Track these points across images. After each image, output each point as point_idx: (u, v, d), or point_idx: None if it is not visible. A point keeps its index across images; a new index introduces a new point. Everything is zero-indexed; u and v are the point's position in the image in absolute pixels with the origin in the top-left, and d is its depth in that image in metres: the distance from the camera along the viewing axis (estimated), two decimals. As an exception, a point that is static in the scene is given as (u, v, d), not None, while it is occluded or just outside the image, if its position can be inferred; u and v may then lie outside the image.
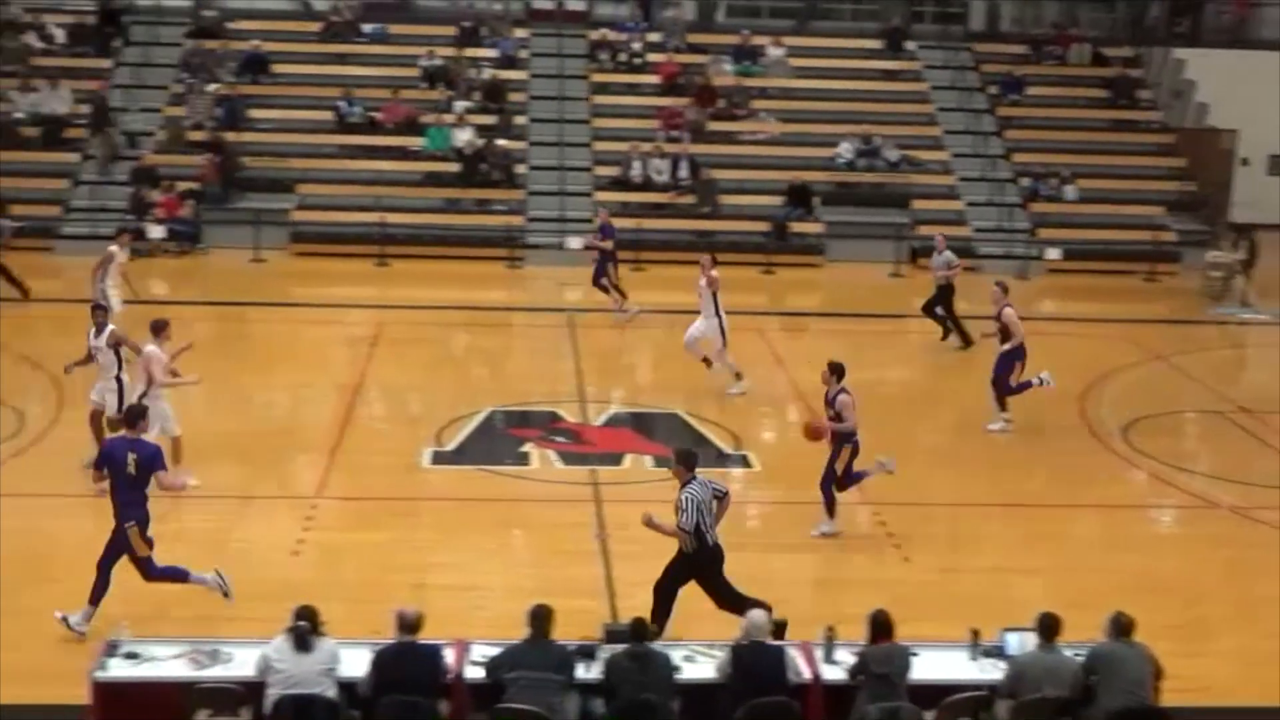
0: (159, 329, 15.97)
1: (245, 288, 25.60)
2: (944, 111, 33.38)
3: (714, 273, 20.30)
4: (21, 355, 21.12)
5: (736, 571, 12.42)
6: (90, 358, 16.43)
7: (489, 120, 31.44)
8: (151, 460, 12.63)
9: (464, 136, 30.47)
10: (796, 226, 29.82)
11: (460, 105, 31.60)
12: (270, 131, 31.15)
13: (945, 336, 23.31)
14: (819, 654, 10.95)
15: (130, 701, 10.52)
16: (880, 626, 10.58)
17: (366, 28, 33.87)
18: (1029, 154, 32.57)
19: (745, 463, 17.92)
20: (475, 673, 10.53)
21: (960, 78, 34.25)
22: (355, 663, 10.41)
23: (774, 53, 33.98)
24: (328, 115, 31.42)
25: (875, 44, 34.91)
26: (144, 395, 15.62)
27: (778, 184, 30.70)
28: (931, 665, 10.85)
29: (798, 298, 28.33)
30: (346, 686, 10.30)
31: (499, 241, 28.98)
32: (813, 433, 15.33)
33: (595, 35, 34.20)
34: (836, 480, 15.14)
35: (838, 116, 32.67)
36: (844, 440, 15.01)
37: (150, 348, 15.82)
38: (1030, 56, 35.05)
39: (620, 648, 10.54)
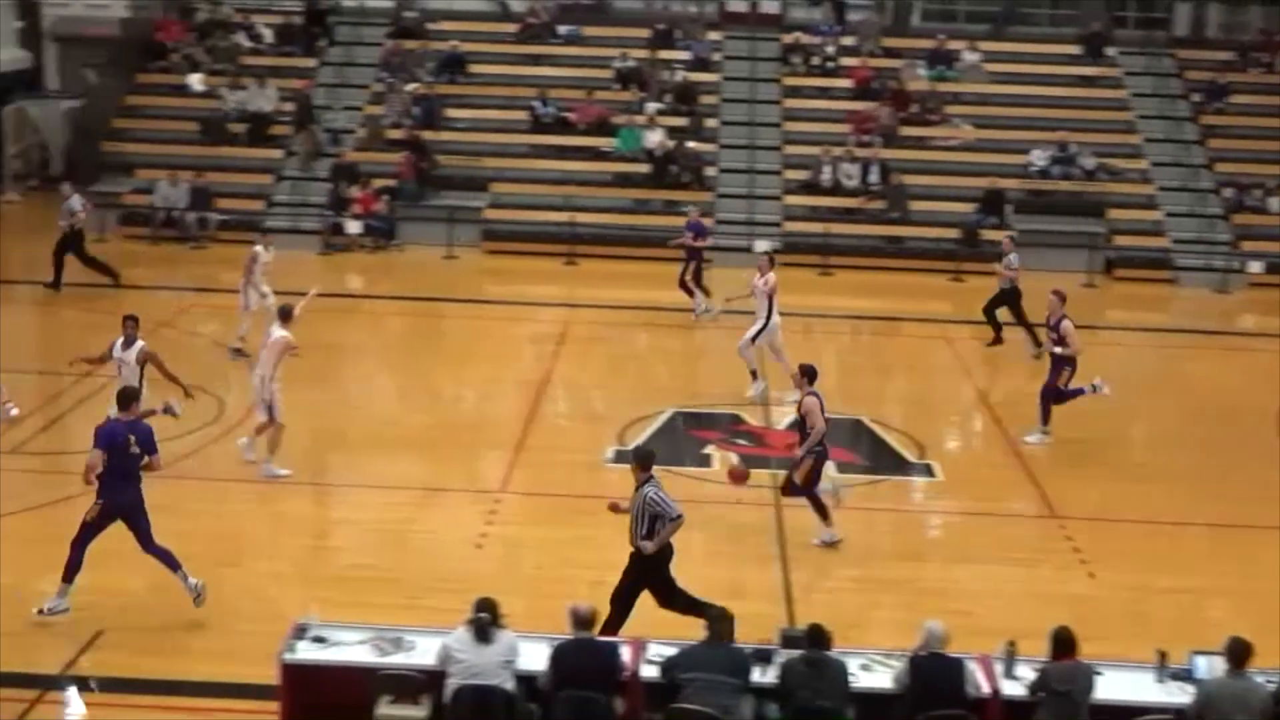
0: (286, 315, 16.39)
1: (438, 284, 26.08)
2: (1144, 119, 32.56)
3: (772, 275, 20.20)
4: (219, 343, 21.81)
5: (919, 582, 12.29)
6: (101, 361, 16.32)
7: (680, 122, 31.58)
8: (149, 441, 12.87)
9: (655, 138, 30.64)
10: (988, 234, 29.35)
11: (652, 107, 31.79)
12: (465, 131, 31.69)
13: (993, 343, 22.67)
14: (999, 668, 10.78)
15: (316, 684, 10.80)
16: (1063, 643, 10.37)
17: (562, 29, 34.27)
18: (1233, 164, 31.59)
19: (929, 472, 17.71)
20: (651, 671, 10.59)
21: (1162, 84, 33.38)
22: (533, 656, 10.55)
23: (969, 57, 33.53)
24: (522, 115, 31.85)
25: (1074, 49, 34.20)
26: (270, 379, 16.12)
27: (970, 190, 30.29)
28: (1116, 686, 10.60)
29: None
30: (524, 679, 10.44)
31: (687, 243, 29.05)
32: (733, 477, 15.29)
33: (788, 39, 34.10)
34: (798, 489, 15.01)
35: (1033, 123, 32.12)
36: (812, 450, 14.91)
37: (278, 332, 16.20)
38: (1236, 63, 34.00)
39: (796, 653, 10.51)
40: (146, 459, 12.78)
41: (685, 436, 18.90)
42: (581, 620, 10.52)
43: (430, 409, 19.63)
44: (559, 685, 10.31)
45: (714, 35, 34.39)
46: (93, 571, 13.85)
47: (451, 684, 10.33)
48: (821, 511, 14.94)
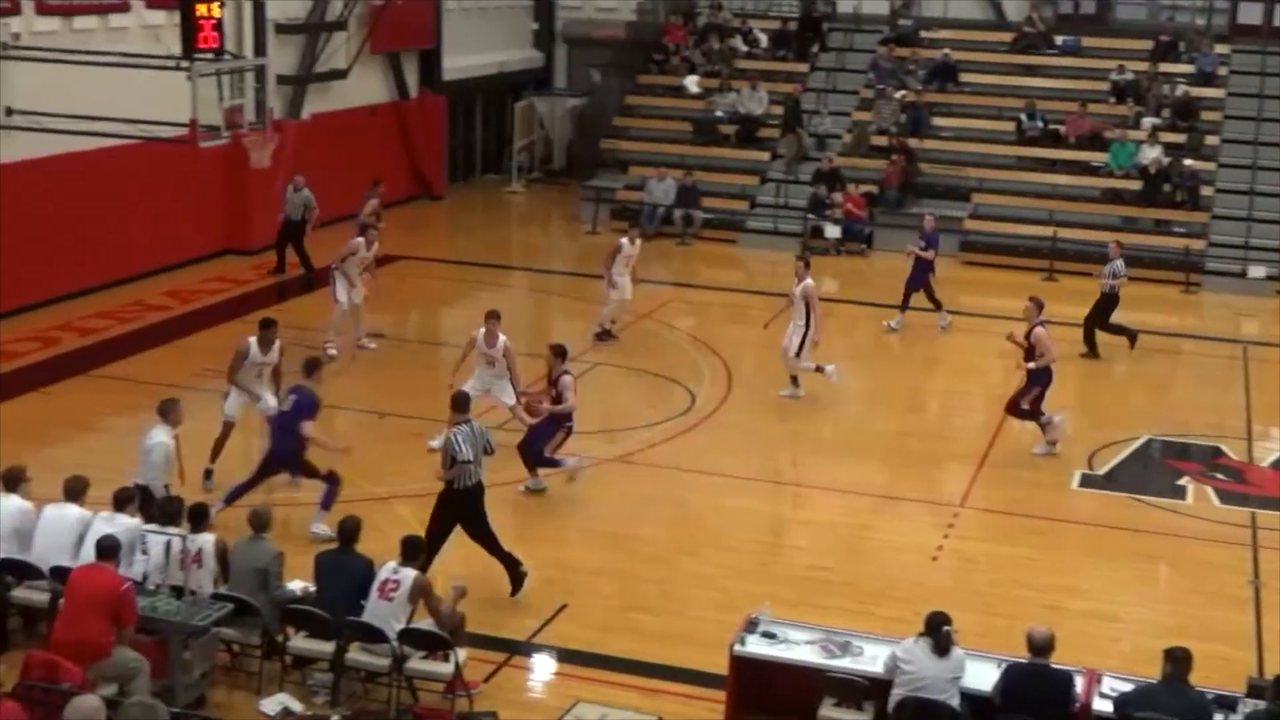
0: (560, 354, 16.08)
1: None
2: None
3: (810, 281, 19.29)
4: (695, 338, 22.49)
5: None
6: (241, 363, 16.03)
7: (1177, 139, 30.24)
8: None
9: (1150, 154, 29.47)
10: None
11: (1148, 122, 30.60)
12: (951, 140, 31.42)
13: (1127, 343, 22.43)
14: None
15: (762, 678, 11.03)
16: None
17: (1059, 39, 33.46)
18: None
19: None
20: (1103, 705, 10.26)
21: None
22: (979, 674, 10.41)
23: None
24: (1009, 126, 31.31)
25: None
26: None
27: None
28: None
29: None
30: (967, 696, 10.32)
31: (1175, 264, 27.82)
32: (530, 410, 15.83)
33: (1305, 53, 32.11)
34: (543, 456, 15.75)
35: None
36: (562, 420, 15.68)
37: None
38: None
39: (1262, 705, 9.95)
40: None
41: (1159, 465, 18.15)
42: (1039, 646, 10.24)
43: (895, 416, 19.62)
44: (1007, 708, 10.14)
45: (1221, 48, 32.73)
46: (559, 548, 14.66)
47: (897, 694, 10.33)
48: (534, 466, 15.82)
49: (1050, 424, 17.96)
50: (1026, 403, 17.89)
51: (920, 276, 23.37)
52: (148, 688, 10.51)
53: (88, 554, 11.69)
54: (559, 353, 16.03)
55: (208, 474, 15.50)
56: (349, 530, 11.72)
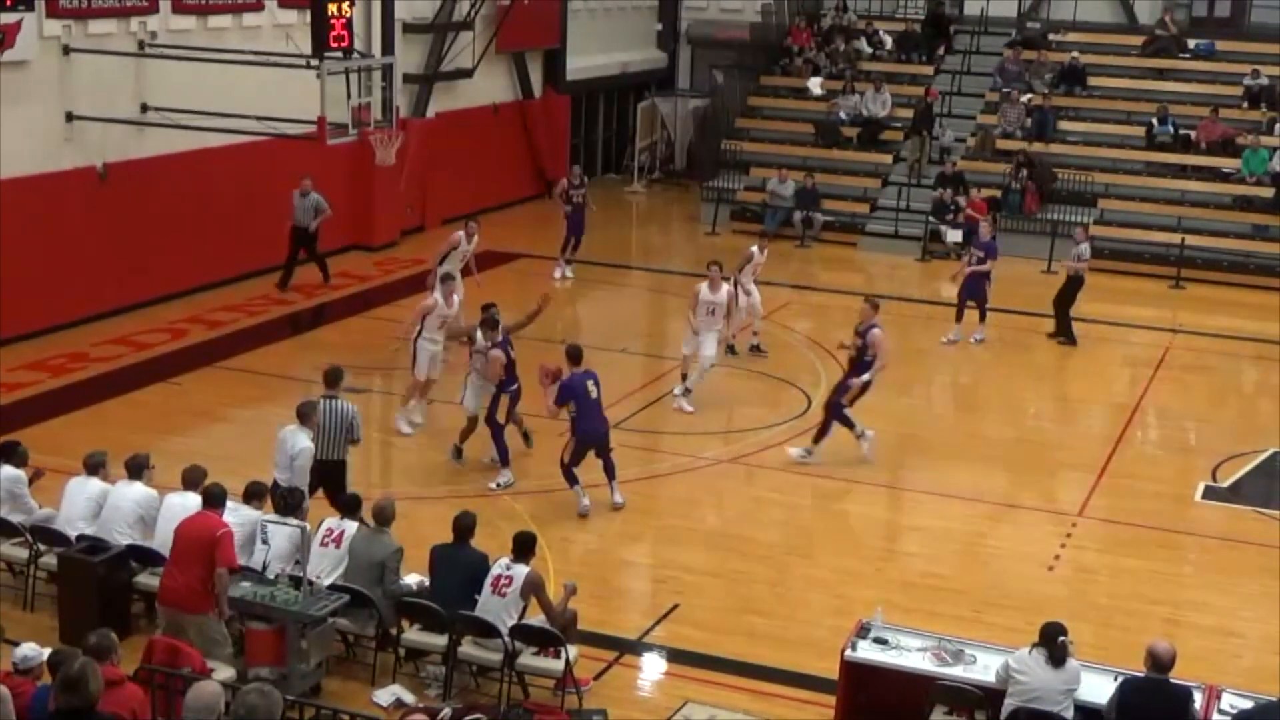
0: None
1: (1032, 298, 25.67)
2: None
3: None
4: (814, 340, 22.41)
5: None
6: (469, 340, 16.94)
7: (1313, 145, 29.58)
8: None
9: (1283, 161, 28.87)
10: None
11: (1282, 128, 29.97)
12: (1078, 144, 30.97)
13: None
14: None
15: (874, 683, 10.97)
16: None
17: (1191, 43, 32.81)
18: None
19: None
20: (1223, 723, 10.10)
21: None
22: (1094, 687, 10.27)
23: None
24: (1137, 131, 30.80)
25: None
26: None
27: None
28: None
29: None
30: (1080, 709, 10.19)
31: (1307, 273, 27.25)
32: (545, 375, 15.48)
33: None
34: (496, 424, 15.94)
35: None
36: (503, 388, 15.85)
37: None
38: None
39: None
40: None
41: (1286, 480, 17.81)
42: (1160, 661, 10.01)
43: (1014, 423, 19.41)
44: (1122, 722, 10.00)
45: (1363, 52, 31.94)
46: (672, 548, 14.70)
47: (1009, 704, 10.23)
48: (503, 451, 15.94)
49: (862, 436, 17.24)
50: (846, 400, 17.06)
51: (976, 285, 22.67)
52: (230, 662, 10.91)
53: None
54: (489, 323, 16.27)
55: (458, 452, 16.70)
56: (464, 525, 11.85)
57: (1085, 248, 23.02)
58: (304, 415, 13.65)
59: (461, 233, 20.96)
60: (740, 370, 20.24)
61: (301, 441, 13.43)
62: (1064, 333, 22.96)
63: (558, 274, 25.62)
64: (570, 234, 25.83)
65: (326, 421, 13.90)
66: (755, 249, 21.55)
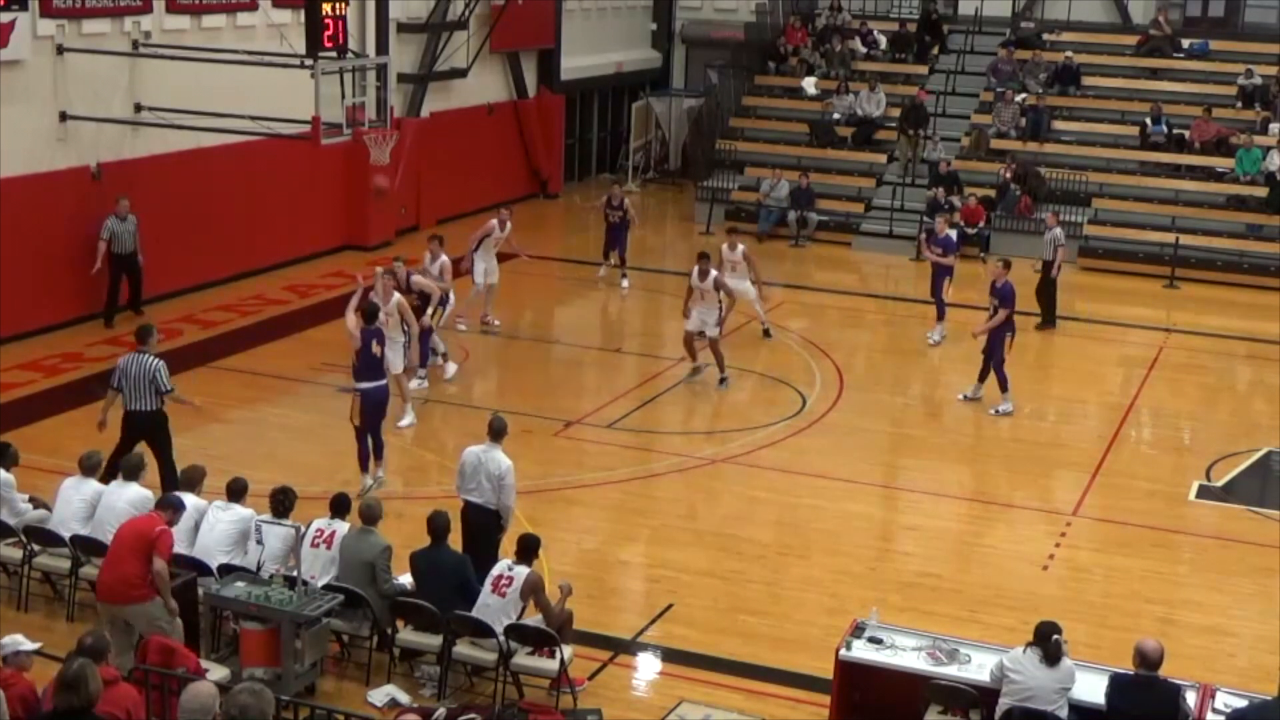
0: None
1: (1027, 297, 25.71)
2: None
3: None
4: (807, 339, 22.42)
5: None
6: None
7: (1306, 145, 29.61)
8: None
9: (1278, 160, 28.87)
10: None
11: (1276, 127, 29.94)
12: (1072, 144, 30.99)
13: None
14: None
15: (869, 683, 10.97)
16: None
17: (1185, 43, 32.84)
18: None
19: None
20: (1215, 721, 10.11)
21: None
22: (1088, 686, 10.28)
23: None
24: (1132, 131, 30.83)
25: None
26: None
27: None
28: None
29: None
30: (1074, 708, 10.19)
31: (1302, 273, 27.29)
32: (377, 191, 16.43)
33: None
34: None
35: None
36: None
37: None
38: None
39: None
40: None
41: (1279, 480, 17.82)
42: (1149, 659, 10.04)
43: (1009, 423, 19.39)
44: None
45: (1358, 52, 31.98)
46: (666, 548, 14.70)
47: (1004, 703, 10.23)
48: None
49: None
50: (1005, 353, 19.29)
51: (935, 281, 22.89)
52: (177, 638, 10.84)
53: (201, 543, 12.00)
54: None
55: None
56: (439, 526, 11.82)
57: (1059, 231, 23.55)
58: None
59: (495, 220, 21.73)
60: (734, 370, 20.21)
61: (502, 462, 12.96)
62: (1048, 320, 23.60)
63: (602, 272, 25.93)
64: (610, 245, 25.74)
65: (134, 372, 14.26)
66: (725, 246, 21.76)
